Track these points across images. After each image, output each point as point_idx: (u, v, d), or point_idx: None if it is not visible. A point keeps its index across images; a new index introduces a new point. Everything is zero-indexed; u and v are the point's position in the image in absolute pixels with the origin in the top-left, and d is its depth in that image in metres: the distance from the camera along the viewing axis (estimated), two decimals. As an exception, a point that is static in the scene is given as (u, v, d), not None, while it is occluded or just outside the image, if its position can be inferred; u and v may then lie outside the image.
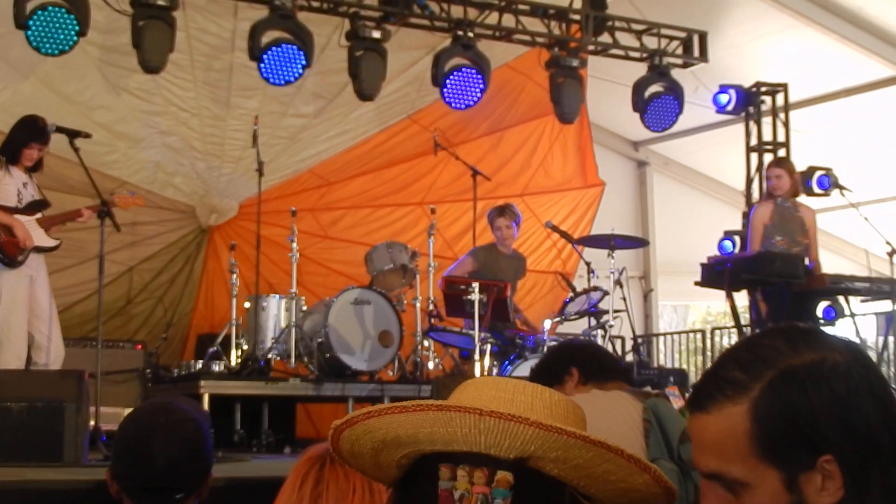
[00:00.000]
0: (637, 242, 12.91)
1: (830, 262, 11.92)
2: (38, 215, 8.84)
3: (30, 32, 9.03)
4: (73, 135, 8.54)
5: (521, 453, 1.68)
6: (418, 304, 10.60)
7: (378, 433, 1.79)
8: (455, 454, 1.70)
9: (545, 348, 9.52)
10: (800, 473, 1.69)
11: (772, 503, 1.71)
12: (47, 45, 9.12)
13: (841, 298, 10.95)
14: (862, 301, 11.11)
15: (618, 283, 10.57)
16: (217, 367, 9.87)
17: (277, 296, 10.35)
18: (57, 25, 9.07)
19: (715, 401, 1.73)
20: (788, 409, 1.68)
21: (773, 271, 10.30)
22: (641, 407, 3.81)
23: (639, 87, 11.70)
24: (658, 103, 11.64)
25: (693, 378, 14.66)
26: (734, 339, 14.06)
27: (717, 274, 10.49)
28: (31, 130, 8.82)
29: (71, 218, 9.04)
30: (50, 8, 9.04)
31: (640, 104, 11.67)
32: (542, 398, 1.77)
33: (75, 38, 9.18)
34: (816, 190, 12.26)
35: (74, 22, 9.11)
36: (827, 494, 1.68)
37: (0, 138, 9.04)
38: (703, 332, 16.44)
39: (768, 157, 12.59)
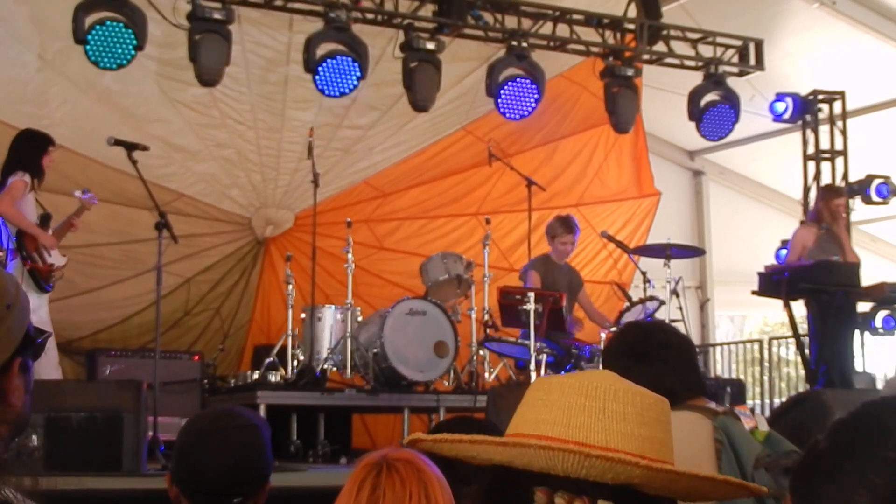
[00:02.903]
0: (693, 252, 12.83)
1: (889, 272, 11.82)
2: (50, 231, 9.02)
3: (88, 47, 9.13)
4: (130, 147, 8.63)
5: (627, 482, 1.67)
6: (473, 315, 10.58)
7: (468, 454, 1.79)
8: (550, 478, 1.68)
9: (601, 358, 9.47)
10: None
11: None
12: (106, 60, 9.21)
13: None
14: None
15: (674, 292, 10.52)
16: (273, 377, 9.92)
17: (333, 306, 10.38)
18: (115, 40, 9.16)
19: None
20: None
21: (831, 280, 10.23)
22: (711, 426, 3.59)
23: (694, 96, 11.64)
24: (714, 112, 11.58)
25: (750, 389, 14.58)
26: (792, 349, 13.95)
27: (775, 283, 10.43)
28: (40, 138, 8.95)
29: (66, 230, 9.18)
30: (108, 23, 9.13)
31: (696, 113, 11.61)
32: (633, 404, 1.70)
33: (133, 52, 9.27)
34: (875, 198, 12.18)
35: (132, 36, 9.20)
36: None
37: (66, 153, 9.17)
38: (760, 342, 16.31)
39: (826, 166, 12.50)
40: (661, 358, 3.65)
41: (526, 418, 1.74)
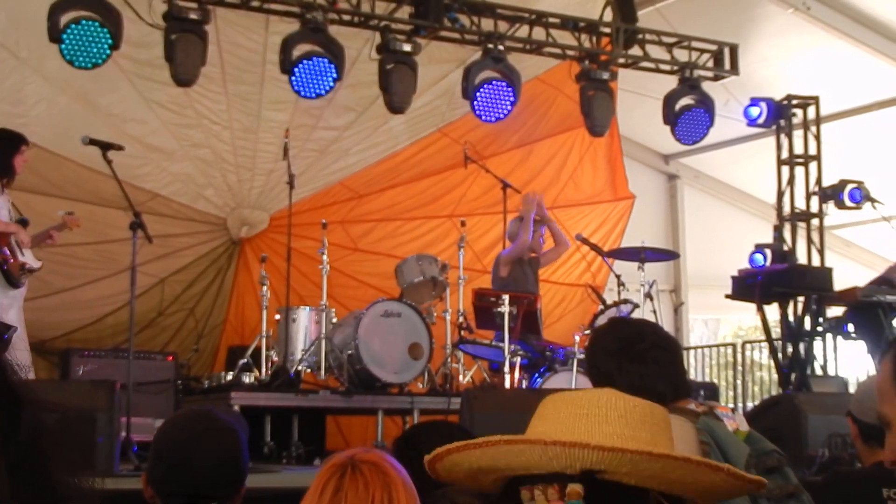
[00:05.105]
0: (667, 255, 12.88)
1: (862, 276, 11.86)
2: None
3: (63, 46, 9.08)
4: (105, 147, 8.57)
5: (592, 469, 1.79)
6: (448, 317, 10.59)
7: (464, 465, 1.95)
8: (533, 476, 1.83)
9: (575, 361, 9.49)
10: None
11: None
12: (81, 59, 9.17)
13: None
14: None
15: (648, 296, 10.56)
16: (247, 378, 9.89)
17: (308, 308, 10.36)
18: (90, 39, 9.12)
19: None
20: None
21: (804, 284, 10.28)
22: (694, 428, 3.52)
23: (669, 100, 11.66)
24: (689, 116, 11.60)
25: (724, 392, 14.64)
26: (765, 352, 14.01)
27: (748, 287, 10.48)
28: (13, 137, 8.84)
29: (43, 240, 9.09)
30: (83, 22, 9.09)
31: (671, 117, 11.63)
32: (616, 408, 1.85)
33: (108, 51, 9.22)
34: (848, 203, 12.20)
35: (107, 35, 9.16)
36: None
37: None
38: (734, 346, 16.39)
39: (799, 170, 12.52)
40: (653, 359, 3.65)
41: (528, 433, 1.89)
